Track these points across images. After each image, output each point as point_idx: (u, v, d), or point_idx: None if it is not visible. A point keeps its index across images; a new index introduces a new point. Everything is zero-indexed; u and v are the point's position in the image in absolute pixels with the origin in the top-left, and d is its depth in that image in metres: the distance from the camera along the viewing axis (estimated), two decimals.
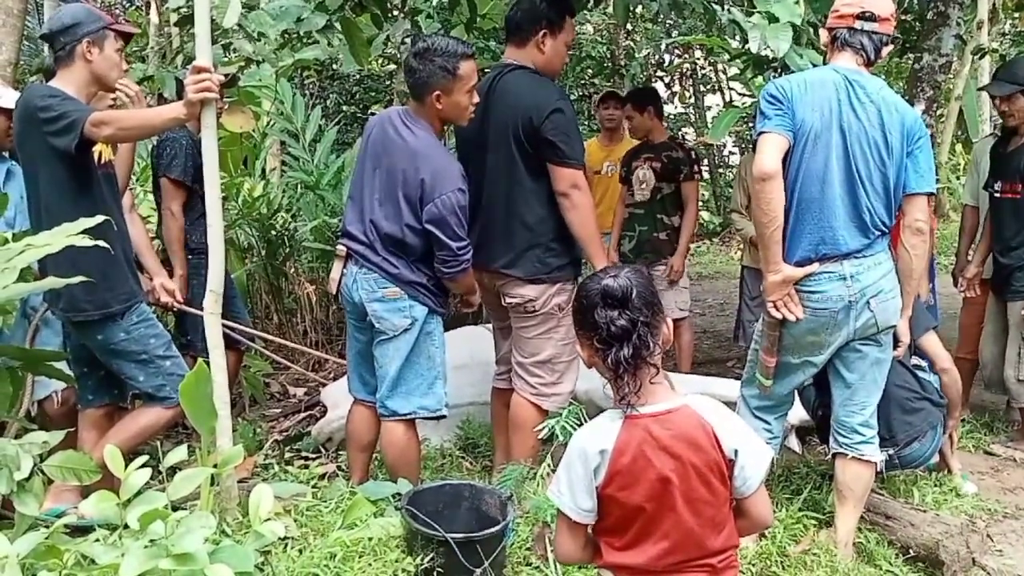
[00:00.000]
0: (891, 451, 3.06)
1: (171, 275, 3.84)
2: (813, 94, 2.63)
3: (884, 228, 2.69)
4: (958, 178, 10.50)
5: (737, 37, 3.90)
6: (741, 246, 6.31)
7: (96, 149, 2.89)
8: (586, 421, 3.06)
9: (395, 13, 4.66)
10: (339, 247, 3.07)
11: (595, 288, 1.65)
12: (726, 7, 4.17)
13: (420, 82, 2.88)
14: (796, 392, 3.02)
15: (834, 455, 2.89)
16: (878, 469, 2.90)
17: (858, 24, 2.67)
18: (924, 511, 3.10)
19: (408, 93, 3.08)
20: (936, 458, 3.39)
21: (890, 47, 2.74)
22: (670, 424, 1.63)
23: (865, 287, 2.64)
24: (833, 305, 2.66)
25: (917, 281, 2.79)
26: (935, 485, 3.41)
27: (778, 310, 2.69)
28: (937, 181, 3.78)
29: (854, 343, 2.74)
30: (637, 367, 1.61)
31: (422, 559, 2.53)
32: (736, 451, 1.62)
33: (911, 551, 2.90)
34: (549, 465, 3.08)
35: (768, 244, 2.65)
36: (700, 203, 14.31)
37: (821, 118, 2.61)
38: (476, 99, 2.96)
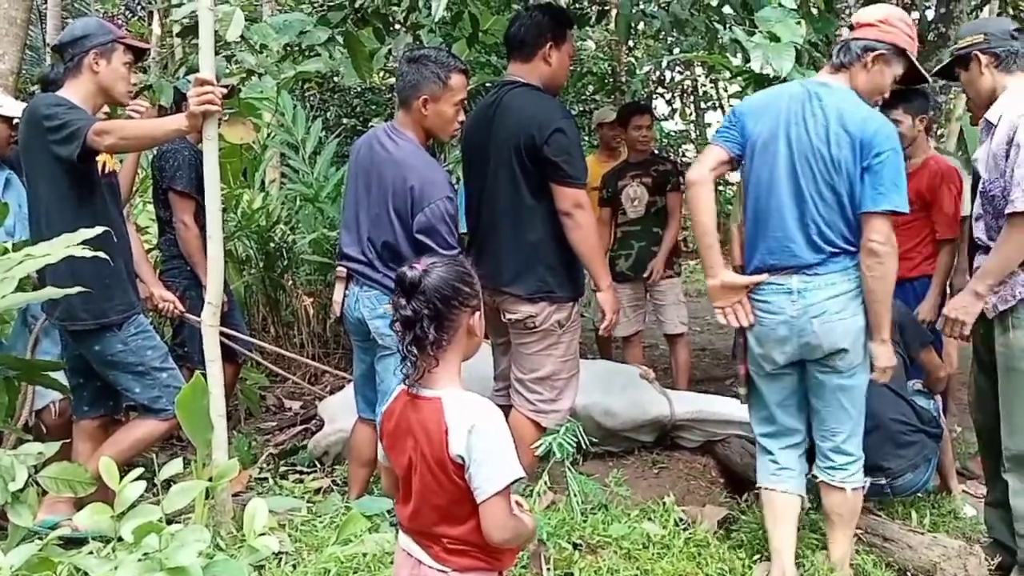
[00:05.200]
0: (884, 481, 3.03)
1: (182, 288, 3.85)
2: (767, 108, 2.65)
3: (840, 247, 2.57)
4: None
5: (739, 55, 3.92)
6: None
7: (100, 159, 2.91)
8: (583, 438, 3.09)
9: (397, 27, 4.68)
10: (339, 269, 3.07)
11: (398, 275, 1.74)
12: (728, 26, 4.20)
13: (410, 85, 2.90)
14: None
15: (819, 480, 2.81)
16: (864, 491, 2.81)
17: (845, 34, 2.69)
18: (922, 533, 3.08)
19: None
20: (936, 479, 3.38)
21: (875, 52, 2.60)
22: (419, 411, 1.73)
23: (809, 305, 2.57)
24: (775, 318, 2.63)
25: (884, 304, 2.58)
26: (933, 507, 3.40)
27: (726, 317, 2.71)
28: None
29: (812, 369, 2.67)
30: (421, 353, 1.70)
31: None
32: (462, 456, 1.65)
33: (908, 573, 2.88)
34: (546, 483, 3.07)
35: (702, 250, 2.71)
36: None
37: (769, 130, 2.62)
38: (462, 117, 2.98)
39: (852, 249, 2.58)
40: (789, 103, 2.62)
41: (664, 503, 3.22)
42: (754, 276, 2.66)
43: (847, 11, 3.94)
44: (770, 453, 2.83)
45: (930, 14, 5.54)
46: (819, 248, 2.57)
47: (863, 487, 2.77)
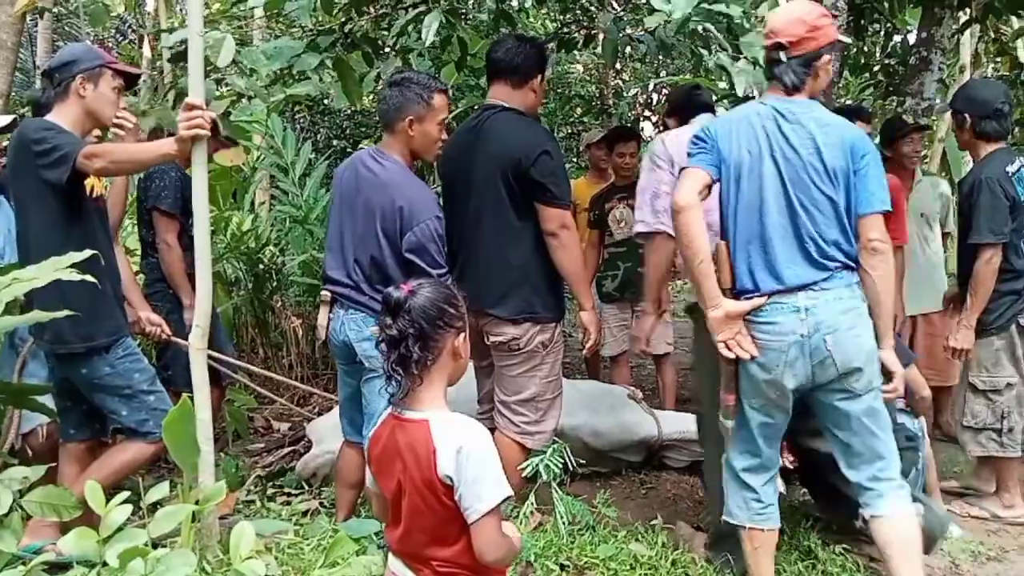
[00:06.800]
0: None
1: (165, 311, 3.84)
2: (739, 130, 2.55)
3: (841, 260, 2.50)
4: None
5: (723, 79, 3.96)
6: None
7: (88, 183, 2.92)
8: (570, 459, 3.10)
9: (386, 51, 4.71)
10: (324, 293, 3.09)
11: (384, 295, 1.77)
12: (713, 51, 4.24)
13: (395, 108, 2.95)
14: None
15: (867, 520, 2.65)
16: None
17: (773, 55, 2.59)
18: None
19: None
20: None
21: (824, 59, 2.57)
22: (406, 433, 1.75)
23: (820, 322, 2.44)
24: (785, 339, 2.46)
25: (889, 306, 2.56)
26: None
27: (731, 350, 2.50)
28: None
29: (830, 400, 2.55)
30: (405, 372, 1.73)
31: None
32: (450, 477, 1.67)
33: None
34: (532, 504, 3.07)
35: (699, 279, 2.50)
36: None
37: (750, 152, 2.53)
38: (444, 135, 3.04)
39: (852, 264, 2.53)
40: (763, 123, 2.55)
41: (652, 524, 3.23)
42: (756, 300, 2.49)
43: None
44: (752, 491, 2.67)
45: (911, 38, 5.63)
46: (821, 265, 2.48)
47: (918, 515, 2.62)
